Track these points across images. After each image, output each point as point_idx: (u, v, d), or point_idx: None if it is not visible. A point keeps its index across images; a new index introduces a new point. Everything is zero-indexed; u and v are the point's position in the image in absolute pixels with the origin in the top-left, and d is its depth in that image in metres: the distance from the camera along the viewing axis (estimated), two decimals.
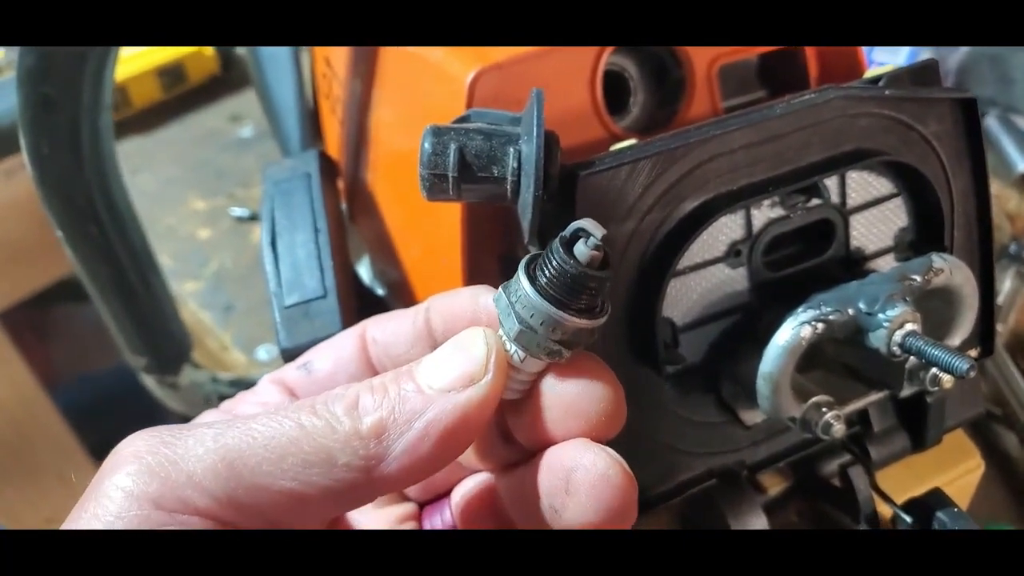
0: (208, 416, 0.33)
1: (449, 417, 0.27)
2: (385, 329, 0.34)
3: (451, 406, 0.27)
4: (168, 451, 0.26)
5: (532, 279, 0.28)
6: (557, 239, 0.28)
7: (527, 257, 0.29)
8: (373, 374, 0.33)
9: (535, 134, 0.31)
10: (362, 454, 0.26)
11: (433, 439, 0.27)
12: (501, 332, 0.29)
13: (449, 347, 0.29)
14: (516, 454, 0.31)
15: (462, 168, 0.32)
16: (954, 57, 0.89)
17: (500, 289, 0.30)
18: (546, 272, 0.28)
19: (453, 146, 0.32)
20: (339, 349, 0.34)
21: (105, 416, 1.39)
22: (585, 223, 0.28)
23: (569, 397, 0.29)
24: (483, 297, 0.32)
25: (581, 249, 0.28)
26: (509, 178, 0.32)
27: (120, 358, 0.64)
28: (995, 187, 0.84)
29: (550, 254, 0.28)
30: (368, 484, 0.27)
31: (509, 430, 0.31)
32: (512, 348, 0.29)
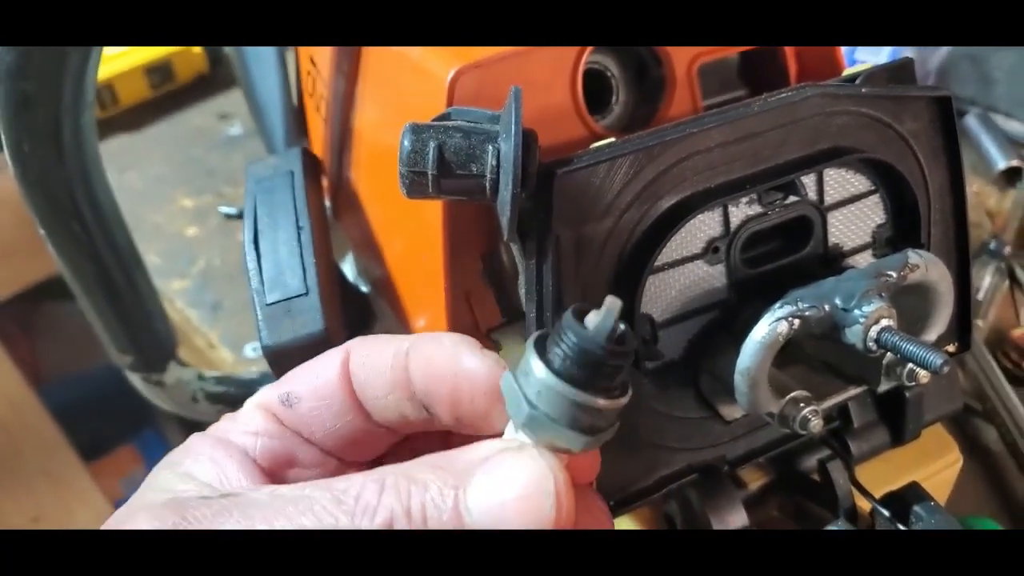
0: (194, 444, 0.31)
1: None
2: (366, 363, 0.32)
3: None
4: None
5: (544, 357, 0.26)
6: (570, 311, 0.26)
7: (536, 335, 0.27)
8: (359, 412, 0.32)
9: (513, 132, 0.31)
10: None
11: None
12: (509, 419, 0.27)
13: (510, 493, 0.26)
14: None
15: (441, 166, 0.32)
16: (935, 57, 0.89)
17: (508, 371, 0.27)
18: (562, 348, 0.26)
19: (432, 144, 0.32)
20: (320, 378, 0.32)
21: (93, 415, 1.39)
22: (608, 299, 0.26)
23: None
24: (466, 359, 0.30)
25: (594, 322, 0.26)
26: (488, 176, 0.32)
27: (108, 356, 0.64)
28: (976, 185, 0.84)
29: (564, 331, 0.26)
30: None
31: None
32: (520, 435, 0.27)
